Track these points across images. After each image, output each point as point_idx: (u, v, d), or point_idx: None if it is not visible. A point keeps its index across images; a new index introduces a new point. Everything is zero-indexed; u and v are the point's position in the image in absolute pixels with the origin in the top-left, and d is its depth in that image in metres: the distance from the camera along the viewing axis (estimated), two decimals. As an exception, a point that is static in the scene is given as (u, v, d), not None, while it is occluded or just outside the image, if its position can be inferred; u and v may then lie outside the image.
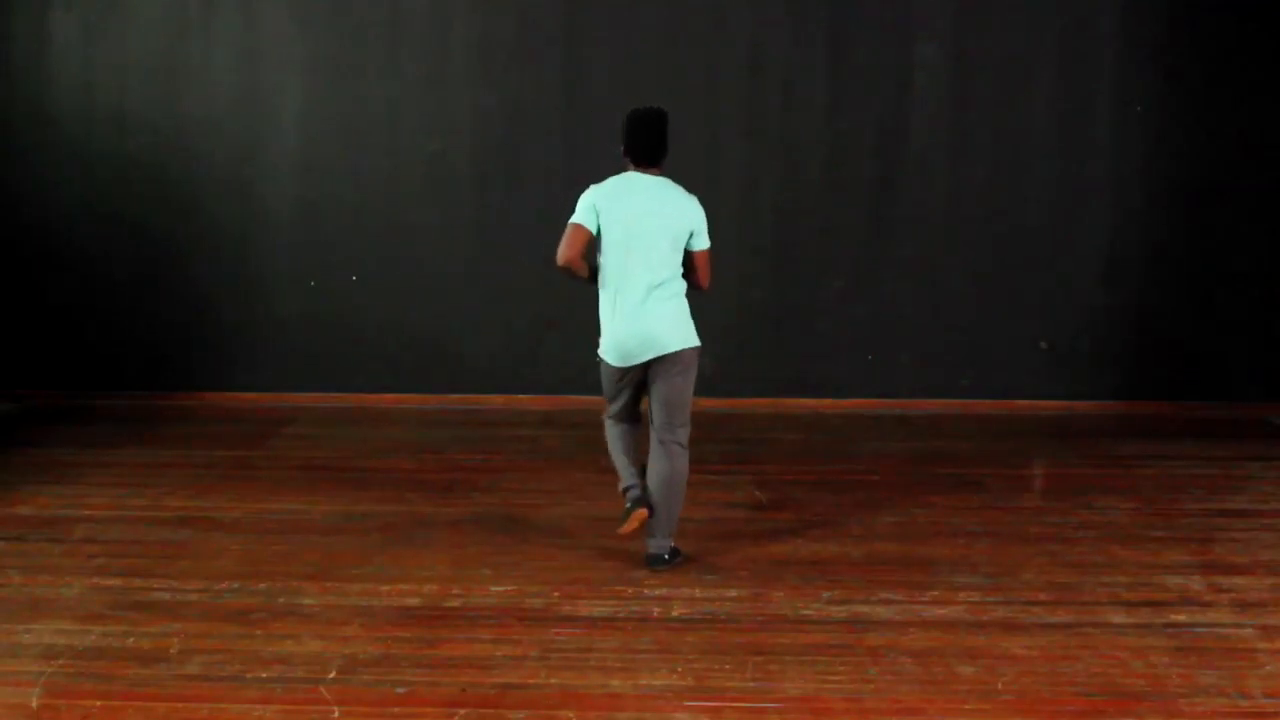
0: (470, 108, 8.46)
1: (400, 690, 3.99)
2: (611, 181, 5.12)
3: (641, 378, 5.17)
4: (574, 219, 5.06)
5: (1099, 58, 8.41)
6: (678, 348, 5.07)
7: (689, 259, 5.14)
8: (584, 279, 5.17)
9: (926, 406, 8.49)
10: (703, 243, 5.13)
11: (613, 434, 5.32)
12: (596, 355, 5.25)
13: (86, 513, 5.92)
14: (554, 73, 8.39)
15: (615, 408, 5.28)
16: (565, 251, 5.00)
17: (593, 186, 5.11)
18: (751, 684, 4.06)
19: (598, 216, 5.04)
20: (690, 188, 5.15)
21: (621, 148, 5.14)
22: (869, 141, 8.46)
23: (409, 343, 8.60)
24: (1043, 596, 4.89)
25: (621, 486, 5.26)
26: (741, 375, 8.51)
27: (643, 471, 5.23)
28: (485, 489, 6.46)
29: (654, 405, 5.17)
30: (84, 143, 8.46)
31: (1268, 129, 8.40)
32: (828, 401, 8.55)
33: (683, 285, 5.14)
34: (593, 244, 5.10)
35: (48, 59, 8.43)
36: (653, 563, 5.17)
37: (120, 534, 5.61)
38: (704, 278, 5.18)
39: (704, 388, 8.29)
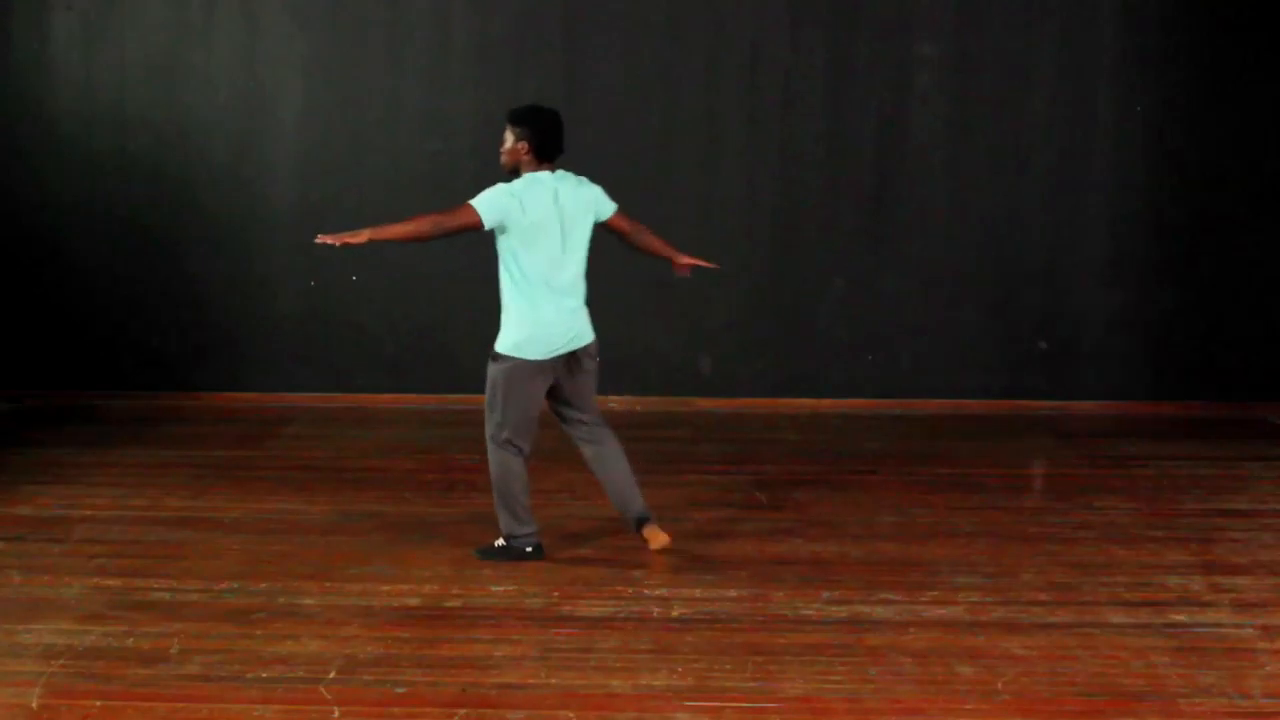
0: (470, 108, 8.45)
1: (400, 690, 3.99)
2: (521, 184, 5.03)
3: (553, 379, 5.18)
4: (479, 207, 4.94)
5: (1099, 58, 8.41)
6: (592, 337, 5.24)
7: (613, 227, 5.27)
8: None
9: (926, 406, 8.48)
10: (611, 205, 5.24)
11: (513, 466, 5.21)
12: (494, 357, 5.18)
13: (86, 513, 5.92)
14: (554, 73, 8.39)
15: (514, 423, 5.17)
16: (441, 225, 5.00)
17: (503, 186, 5.01)
18: (751, 684, 4.06)
19: (506, 217, 4.95)
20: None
21: (527, 146, 5.03)
22: (869, 141, 8.45)
23: (409, 343, 8.60)
24: (1043, 596, 4.89)
25: (522, 530, 5.21)
26: (741, 375, 8.50)
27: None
28: (485, 489, 6.41)
29: (575, 404, 5.27)
30: (84, 143, 8.44)
31: (1268, 129, 8.39)
32: (828, 401, 8.53)
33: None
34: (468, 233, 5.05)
35: (48, 59, 8.41)
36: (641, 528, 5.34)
37: (120, 534, 5.61)
38: (637, 226, 5.35)
39: (703, 387, 8.46)
